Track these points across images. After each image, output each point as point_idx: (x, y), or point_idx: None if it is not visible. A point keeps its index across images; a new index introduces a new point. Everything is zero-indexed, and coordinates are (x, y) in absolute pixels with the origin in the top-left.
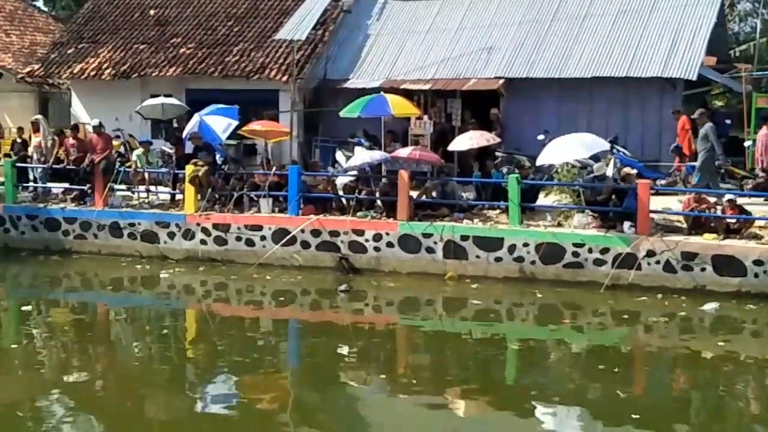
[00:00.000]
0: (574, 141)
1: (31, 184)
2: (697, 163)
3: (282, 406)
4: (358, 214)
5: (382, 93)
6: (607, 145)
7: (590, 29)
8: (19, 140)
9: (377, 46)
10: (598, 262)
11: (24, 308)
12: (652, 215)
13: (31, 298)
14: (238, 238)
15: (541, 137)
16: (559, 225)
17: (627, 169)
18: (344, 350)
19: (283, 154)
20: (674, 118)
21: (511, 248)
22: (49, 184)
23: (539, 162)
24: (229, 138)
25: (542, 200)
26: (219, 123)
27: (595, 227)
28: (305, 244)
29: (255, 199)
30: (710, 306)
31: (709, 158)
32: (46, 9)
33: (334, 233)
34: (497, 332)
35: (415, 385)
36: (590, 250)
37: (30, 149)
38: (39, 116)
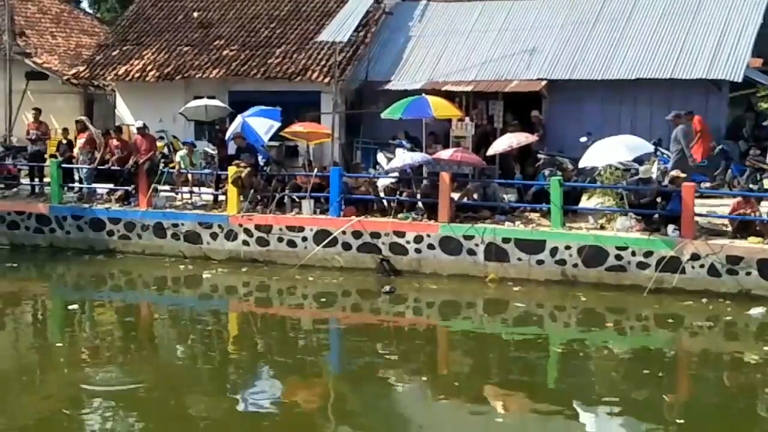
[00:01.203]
0: (617, 143)
1: (76, 184)
2: (669, 165)
3: (323, 406)
4: (399, 215)
5: (423, 95)
6: (650, 148)
7: (634, 30)
8: (64, 141)
9: (419, 47)
10: (642, 266)
11: (70, 307)
12: (696, 218)
13: (76, 297)
14: (280, 239)
15: (583, 139)
16: (602, 228)
17: (676, 172)
18: (385, 351)
19: (324, 156)
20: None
21: (553, 251)
22: (94, 185)
23: (582, 164)
24: (271, 139)
25: (585, 203)
26: (261, 124)
27: (639, 230)
28: (346, 246)
29: (297, 200)
30: (756, 311)
31: (680, 160)
32: (91, 11)
33: (375, 235)
34: (539, 335)
35: (456, 387)
36: (633, 254)
37: (75, 150)
38: (84, 117)
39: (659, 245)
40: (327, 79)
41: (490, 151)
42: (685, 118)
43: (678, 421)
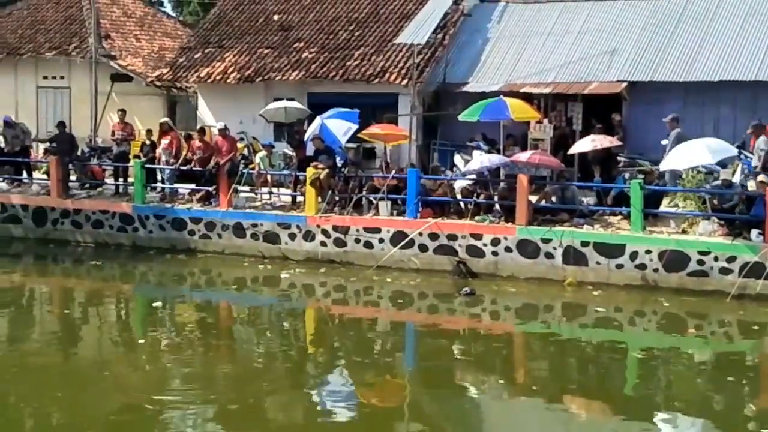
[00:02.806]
0: (699, 146)
1: (159, 184)
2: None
3: (399, 408)
4: (476, 218)
5: (501, 97)
6: (734, 151)
7: (717, 31)
8: (147, 142)
9: (497, 49)
10: (724, 271)
11: (154, 304)
12: None
13: (157, 295)
14: (357, 240)
15: (665, 142)
16: (684, 232)
17: (762, 177)
18: (462, 354)
19: (401, 158)
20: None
21: (633, 255)
22: (176, 185)
23: (663, 167)
24: (348, 141)
25: (666, 206)
26: (339, 126)
27: (722, 235)
28: (423, 248)
29: (374, 201)
30: None
31: None
32: (174, 14)
33: (452, 237)
34: (619, 340)
35: (534, 390)
36: (716, 259)
37: (158, 151)
38: (167, 119)
39: (743, 250)
40: (405, 81)
41: (573, 150)
42: (675, 122)
43: (763, 431)
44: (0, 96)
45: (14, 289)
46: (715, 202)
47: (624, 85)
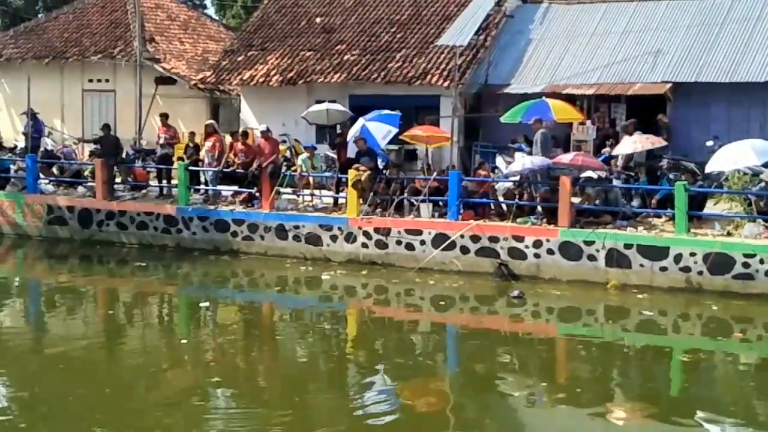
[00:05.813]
0: (745, 147)
1: (202, 186)
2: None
3: (441, 410)
4: (518, 220)
5: (543, 98)
6: None
7: (764, 31)
8: (191, 145)
9: (539, 50)
10: None
11: (201, 304)
12: None
13: (201, 296)
14: (399, 242)
15: (710, 143)
16: (729, 234)
17: None
18: (504, 357)
19: (443, 159)
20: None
21: (678, 258)
22: (219, 187)
23: (708, 169)
24: (390, 143)
25: (711, 208)
26: (379, 130)
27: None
28: (464, 250)
29: (415, 203)
30: None
31: None
32: (217, 18)
33: (494, 239)
34: (663, 343)
35: (577, 394)
36: (762, 261)
37: (201, 153)
38: (212, 121)
39: None
40: (447, 83)
41: (616, 151)
42: (540, 123)
43: None
44: (47, 99)
45: (60, 290)
46: (761, 204)
47: (668, 86)
